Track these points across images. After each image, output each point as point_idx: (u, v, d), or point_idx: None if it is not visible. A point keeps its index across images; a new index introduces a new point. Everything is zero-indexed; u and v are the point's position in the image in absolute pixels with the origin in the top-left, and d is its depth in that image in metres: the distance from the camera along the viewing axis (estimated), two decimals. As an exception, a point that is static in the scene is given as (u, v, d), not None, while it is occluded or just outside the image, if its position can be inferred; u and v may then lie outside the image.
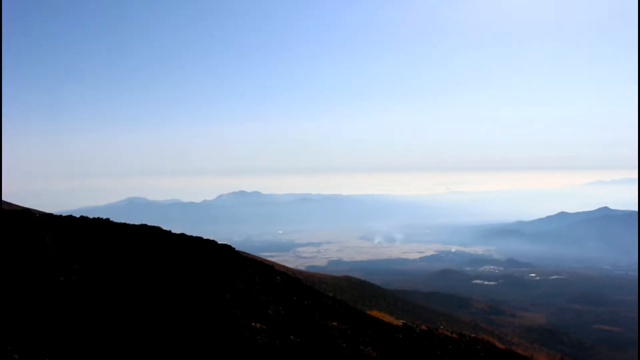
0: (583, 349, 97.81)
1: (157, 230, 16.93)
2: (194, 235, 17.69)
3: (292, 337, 10.39)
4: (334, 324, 13.33)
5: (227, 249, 17.05)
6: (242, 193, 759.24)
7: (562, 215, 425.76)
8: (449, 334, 20.21)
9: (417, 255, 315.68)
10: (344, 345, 11.83)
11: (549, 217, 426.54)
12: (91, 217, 16.93)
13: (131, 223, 17.85)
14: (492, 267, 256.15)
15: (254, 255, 50.50)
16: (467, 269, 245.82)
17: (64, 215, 16.17)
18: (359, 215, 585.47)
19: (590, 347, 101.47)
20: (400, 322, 18.59)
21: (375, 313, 18.80)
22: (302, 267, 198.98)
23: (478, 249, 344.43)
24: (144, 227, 16.95)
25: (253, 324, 10.10)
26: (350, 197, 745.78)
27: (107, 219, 17.20)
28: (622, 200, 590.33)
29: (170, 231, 17.29)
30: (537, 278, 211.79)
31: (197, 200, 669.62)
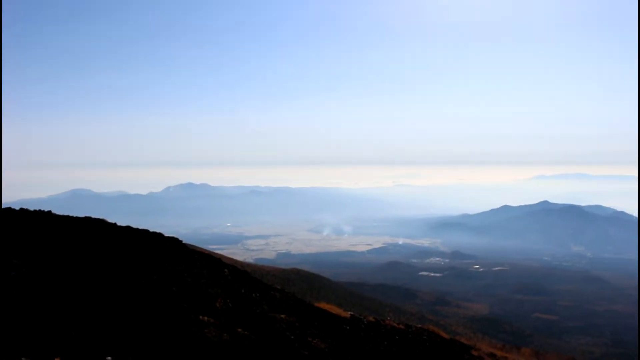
0: (523, 336, 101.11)
1: (101, 222, 16.57)
2: (141, 228, 17.38)
3: (240, 329, 10.35)
4: (282, 316, 13.35)
5: (174, 241, 16.84)
6: (190, 185, 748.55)
7: (505, 208, 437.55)
8: (396, 325, 20.51)
9: (365, 248, 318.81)
10: (292, 337, 11.87)
11: (492, 211, 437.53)
12: (32, 209, 16.41)
13: (75, 216, 17.39)
14: (438, 259, 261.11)
15: (202, 248, 50.01)
16: (414, 261, 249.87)
17: (1, 208, 15.63)
18: (307, 207, 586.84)
19: (530, 335, 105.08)
20: (348, 314, 18.76)
21: (323, 305, 18.91)
22: (250, 260, 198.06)
23: (425, 242, 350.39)
24: (88, 220, 16.56)
25: (200, 317, 10.00)
26: (299, 189, 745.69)
27: (49, 212, 16.72)
28: (561, 194, 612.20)
29: (115, 224, 16.94)
30: (481, 269, 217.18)
31: (144, 192, 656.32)
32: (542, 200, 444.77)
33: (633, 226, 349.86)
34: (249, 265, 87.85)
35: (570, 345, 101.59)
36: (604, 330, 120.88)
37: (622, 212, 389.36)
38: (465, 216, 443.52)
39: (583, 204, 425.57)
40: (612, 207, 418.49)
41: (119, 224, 17.01)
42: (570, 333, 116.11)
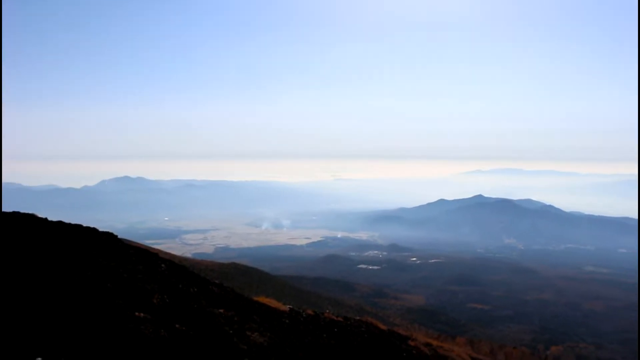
0: (458, 326, 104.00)
1: (31, 217, 15.95)
2: (74, 223, 16.83)
3: (177, 325, 10.20)
4: (221, 311, 13.24)
5: (109, 236, 16.40)
6: (125, 179, 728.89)
7: (441, 202, 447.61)
8: (335, 318, 20.69)
9: (304, 241, 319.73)
10: (231, 331, 11.79)
11: (429, 204, 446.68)
12: (-44, 203, 15.64)
13: (1, 211, 16.66)
14: (375, 252, 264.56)
15: (139, 243, 48.90)
16: (352, 254, 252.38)
17: None
18: (246, 201, 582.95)
19: (464, 324, 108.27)
20: (287, 308, 18.79)
21: (262, 299, 18.86)
22: (188, 255, 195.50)
23: (363, 235, 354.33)
24: (15, 215, 15.90)
25: (137, 313, 9.79)
26: (237, 183, 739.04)
27: (-25, 206, 15.96)
28: (494, 188, 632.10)
29: (46, 219, 16.34)
30: (418, 262, 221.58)
31: (77, 186, 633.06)
32: (476, 194, 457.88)
33: (560, 219, 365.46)
34: (186, 260, 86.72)
35: (502, 333, 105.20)
36: (532, 318, 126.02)
37: (550, 206, 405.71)
38: (403, 210, 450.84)
39: (515, 198, 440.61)
40: (541, 201, 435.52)
41: (50, 219, 16.41)
42: (502, 321, 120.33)
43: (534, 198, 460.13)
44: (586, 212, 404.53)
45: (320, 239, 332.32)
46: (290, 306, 19.58)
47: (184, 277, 15.36)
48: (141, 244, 46.82)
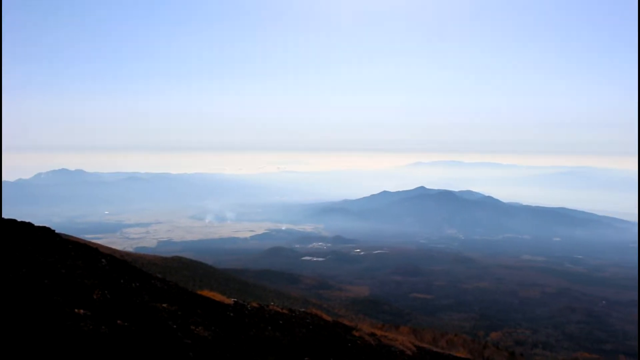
0: (402, 315, 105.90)
1: (-38, 212, 15.25)
2: (7, 217, 16.19)
3: (119, 321, 9.96)
4: (164, 305, 13.02)
5: (45, 231, 15.86)
6: (63, 171, 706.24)
7: (384, 194, 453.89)
8: (280, 310, 20.68)
9: (248, 234, 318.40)
10: (175, 326, 11.62)
11: (372, 196, 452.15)
12: None
13: None
14: (320, 243, 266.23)
15: (78, 238, 47.60)
16: (297, 246, 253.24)
17: None
18: (189, 194, 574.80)
19: (408, 314, 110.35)
20: (231, 301, 18.65)
21: (206, 293, 18.65)
22: (130, 249, 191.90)
23: (307, 227, 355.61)
24: (-54, 209, 15.17)
25: (76, 310, 9.51)
26: (180, 175, 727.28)
27: None
28: (436, 180, 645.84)
29: (-23, 213, 15.65)
30: (362, 253, 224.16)
31: (11, 179, 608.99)
32: (418, 186, 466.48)
33: (499, 210, 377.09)
34: (128, 254, 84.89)
35: (444, 321, 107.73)
36: (473, 305, 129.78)
37: (489, 197, 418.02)
38: (347, 202, 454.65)
39: (456, 189, 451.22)
40: (481, 192, 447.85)
41: (-19, 213, 15.72)
42: (444, 310, 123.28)
43: (474, 189, 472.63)
44: (523, 203, 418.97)
45: (264, 231, 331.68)
46: (235, 299, 19.45)
47: (126, 272, 15.03)
48: (80, 239, 45.63)
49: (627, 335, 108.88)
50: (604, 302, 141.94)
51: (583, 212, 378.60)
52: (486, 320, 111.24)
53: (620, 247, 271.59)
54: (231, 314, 15.92)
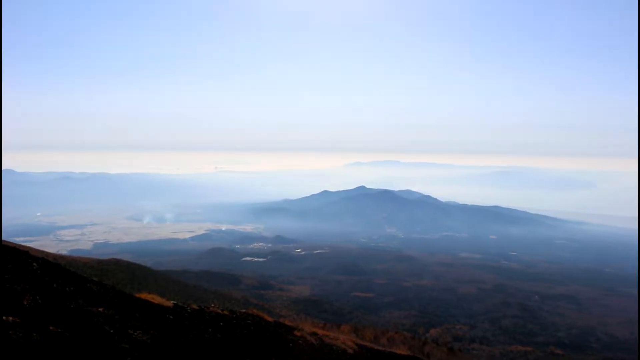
0: (343, 314, 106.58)
1: None
2: None
3: (52, 327, 9.56)
4: (100, 309, 12.61)
5: (-28, 234, 15.10)
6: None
7: (325, 193, 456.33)
8: (220, 311, 20.42)
9: (188, 235, 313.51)
10: (112, 331, 11.25)
11: (313, 196, 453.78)
12: None
13: None
14: (261, 244, 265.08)
15: (7, 241, 45.62)
16: (238, 246, 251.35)
17: None
18: (126, 194, 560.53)
19: (349, 312, 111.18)
20: (171, 303, 18.28)
21: (145, 295, 18.20)
22: (64, 252, 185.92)
23: (248, 227, 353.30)
24: None
25: (5, 317, 9.07)
26: (117, 175, 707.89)
27: None
28: (375, 179, 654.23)
29: None
30: (303, 253, 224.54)
31: None
32: (358, 185, 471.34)
33: (437, 209, 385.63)
34: (62, 257, 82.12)
35: (385, 319, 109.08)
36: (413, 303, 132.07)
37: (428, 196, 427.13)
38: (287, 201, 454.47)
39: (395, 189, 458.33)
40: (419, 192, 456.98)
41: None
42: (385, 308, 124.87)
43: (413, 189, 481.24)
44: (460, 202, 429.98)
45: (204, 232, 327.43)
46: (175, 302, 19.07)
47: (59, 276, 14.47)
48: (10, 242, 43.75)
49: (557, 327, 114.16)
50: (536, 296, 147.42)
51: (516, 211, 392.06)
52: (426, 317, 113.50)
53: (552, 244, 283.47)
54: (170, 317, 15.59)
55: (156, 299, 18.19)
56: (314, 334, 23.56)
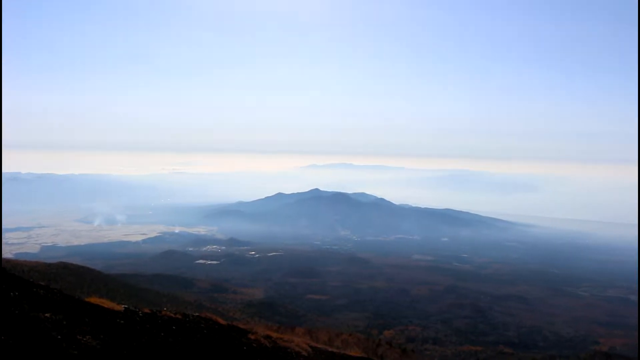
0: (297, 317, 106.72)
1: None
2: None
3: (-5, 333, 9.21)
4: (47, 315, 12.22)
5: None
6: None
7: (279, 196, 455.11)
8: (173, 315, 20.10)
9: (139, 237, 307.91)
10: (59, 336, 10.92)
11: (267, 198, 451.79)
12: None
13: None
14: (214, 246, 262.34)
15: (-52, 244, 43.97)
16: (191, 249, 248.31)
17: None
18: (76, 196, 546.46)
19: (303, 315, 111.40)
20: (122, 307, 17.89)
21: (94, 300, 17.76)
22: (9, 255, 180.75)
23: (201, 229, 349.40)
24: None
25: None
26: (65, 176, 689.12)
27: None
28: (330, 182, 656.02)
29: None
30: (257, 255, 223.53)
31: None
32: (313, 188, 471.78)
33: (390, 211, 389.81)
34: (7, 261, 79.83)
35: (339, 321, 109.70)
36: (367, 305, 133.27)
37: (381, 199, 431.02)
38: (241, 204, 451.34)
39: (349, 191, 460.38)
40: (373, 195, 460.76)
41: None
42: (339, 310, 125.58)
43: (367, 192, 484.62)
44: (413, 205, 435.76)
45: (156, 234, 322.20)
46: (126, 306, 18.67)
47: (2, 280, 13.98)
48: (-48, 245, 42.20)
49: (506, 326, 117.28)
50: (487, 297, 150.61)
51: (467, 213, 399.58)
52: (380, 319, 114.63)
53: (501, 246, 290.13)
54: (122, 321, 15.25)
55: (106, 303, 17.78)
56: (268, 336, 23.44)
